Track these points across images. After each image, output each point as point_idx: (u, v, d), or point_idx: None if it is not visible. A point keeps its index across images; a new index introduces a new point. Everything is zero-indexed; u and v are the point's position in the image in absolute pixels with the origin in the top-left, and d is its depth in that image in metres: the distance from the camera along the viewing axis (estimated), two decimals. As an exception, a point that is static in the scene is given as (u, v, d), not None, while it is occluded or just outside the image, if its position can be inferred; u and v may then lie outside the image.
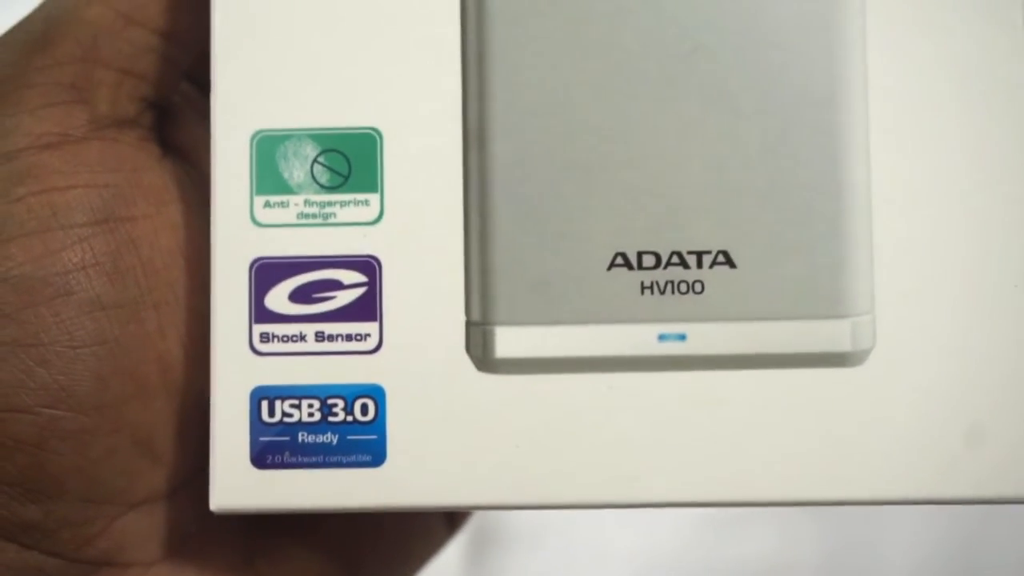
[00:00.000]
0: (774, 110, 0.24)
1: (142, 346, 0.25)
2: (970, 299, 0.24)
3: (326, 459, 0.25)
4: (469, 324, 0.25)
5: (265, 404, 0.25)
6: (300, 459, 0.25)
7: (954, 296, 0.24)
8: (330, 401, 0.25)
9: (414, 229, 0.25)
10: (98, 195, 0.25)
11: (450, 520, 0.32)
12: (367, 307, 0.25)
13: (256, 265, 0.25)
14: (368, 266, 0.25)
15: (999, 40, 0.24)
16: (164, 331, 0.26)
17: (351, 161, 0.25)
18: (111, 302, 0.25)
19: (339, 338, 0.25)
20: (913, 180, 0.24)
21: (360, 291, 0.25)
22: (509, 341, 0.24)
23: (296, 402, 0.25)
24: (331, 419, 0.25)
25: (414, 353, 0.25)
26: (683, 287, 0.24)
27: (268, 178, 0.25)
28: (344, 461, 0.25)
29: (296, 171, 0.25)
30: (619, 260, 0.24)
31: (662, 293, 0.24)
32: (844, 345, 0.24)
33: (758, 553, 0.47)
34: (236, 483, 0.25)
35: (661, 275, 0.24)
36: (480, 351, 0.25)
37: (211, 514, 0.26)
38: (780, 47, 0.24)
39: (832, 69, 0.24)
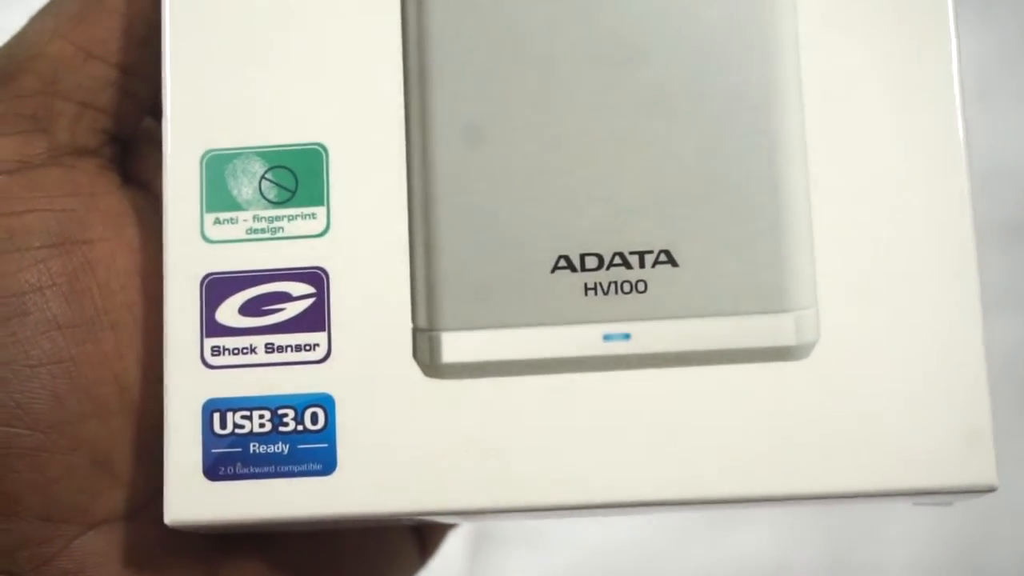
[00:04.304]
0: (711, 112, 0.25)
1: (99, 365, 0.26)
2: (912, 290, 0.24)
3: (277, 469, 0.25)
4: (416, 331, 0.25)
5: (217, 416, 0.25)
6: (252, 470, 0.25)
7: (896, 288, 0.24)
8: (281, 411, 0.25)
9: (360, 240, 0.25)
10: (55, 219, 0.26)
11: (422, 545, 0.32)
12: (315, 318, 0.25)
13: (207, 280, 0.25)
14: (316, 277, 0.25)
15: (928, 36, 0.25)
16: (121, 351, 0.26)
17: (298, 176, 0.25)
18: (67, 322, 0.25)
19: (288, 349, 0.25)
20: (852, 176, 0.25)
21: (308, 302, 0.25)
22: (455, 346, 0.25)
23: (247, 413, 0.25)
24: (282, 429, 0.25)
25: (362, 361, 0.25)
26: (626, 287, 0.25)
27: (218, 196, 0.25)
28: (295, 470, 0.25)
29: (245, 188, 0.25)
30: (562, 262, 0.25)
31: (606, 293, 0.25)
32: (788, 339, 0.24)
33: (758, 553, 0.47)
34: (190, 496, 0.25)
35: (604, 276, 0.25)
36: (427, 357, 0.25)
37: (172, 534, 0.26)
38: (715, 51, 0.25)
39: (766, 71, 0.25)
